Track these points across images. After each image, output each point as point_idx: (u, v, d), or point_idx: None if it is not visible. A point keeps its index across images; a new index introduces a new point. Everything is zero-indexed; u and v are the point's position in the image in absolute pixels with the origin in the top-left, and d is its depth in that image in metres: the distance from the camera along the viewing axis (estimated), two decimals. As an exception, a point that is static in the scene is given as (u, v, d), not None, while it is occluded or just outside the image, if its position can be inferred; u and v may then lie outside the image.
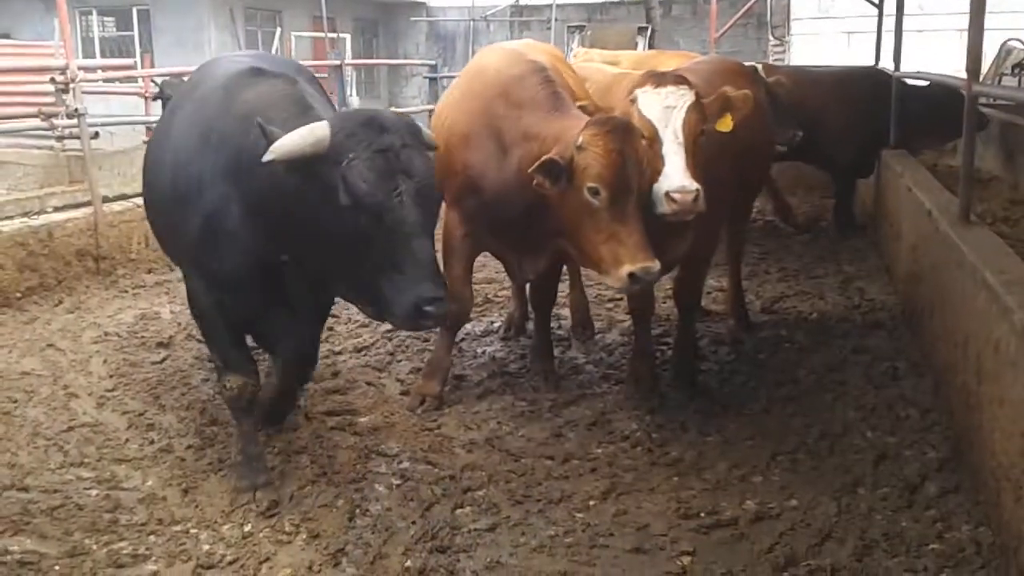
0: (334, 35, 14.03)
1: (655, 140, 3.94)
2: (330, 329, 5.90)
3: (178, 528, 3.51)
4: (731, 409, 4.54)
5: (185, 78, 11.63)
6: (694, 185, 3.83)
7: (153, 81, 11.66)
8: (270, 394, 4.12)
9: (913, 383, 4.73)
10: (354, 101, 13.88)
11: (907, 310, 5.77)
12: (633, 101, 4.06)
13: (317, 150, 3.11)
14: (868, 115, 7.51)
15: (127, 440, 4.29)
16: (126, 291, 6.79)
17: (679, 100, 3.98)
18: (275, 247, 3.50)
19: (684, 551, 3.31)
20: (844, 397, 4.63)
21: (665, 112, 3.95)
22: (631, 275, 3.75)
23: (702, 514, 3.56)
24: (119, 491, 3.79)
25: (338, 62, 11.66)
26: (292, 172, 3.17)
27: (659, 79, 4.07)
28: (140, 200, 7.65)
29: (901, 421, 4.31)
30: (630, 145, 3.81)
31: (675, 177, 3.85)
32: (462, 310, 4.72)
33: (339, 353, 5.45)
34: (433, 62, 15.06)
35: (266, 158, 3.12)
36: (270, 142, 3.14)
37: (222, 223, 3.54)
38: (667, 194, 3.84)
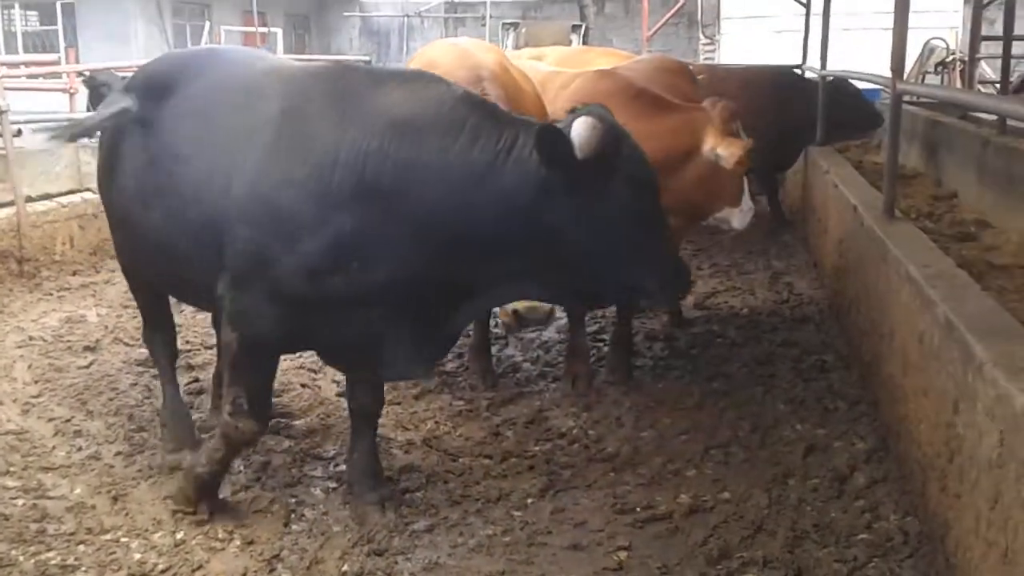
0: (265, 30, 13.82)
1: None
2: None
3: (108, 537, 3.42)
4: (665, 404, 4.60)
5: (118, 72, 11.49)
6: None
7: (82, 75, 11.35)
8: (365, 445, 3.76)
9: (841, 376, 4.85)
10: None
11: (834, 304, 5.91)
12: None
13: (607, 140, 3.02)
14: (775, 112, 7.66)
15: (54, 447, 4.17)
16: (51, 294, 6.59)
17: None
18: (449, 263, 3.18)
19: (620, 546, 3.35)
20: (774, 390, 4.72)
21: None
22: None
23: (638, 509, 3.60)
24: (46, 500, 3.68)
25: (269, 58, 11.47)
26: (561, 170, 3.02)
27: None
28: (65, 200, 7.52)
29: (830, 413, 4.42)
30: None
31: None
32: None
33: (273, 355, 5.37)
34: (368, 58, 14.91)
35: (581, 155, 2.96)
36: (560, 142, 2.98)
37: (374, 238, 3.13)
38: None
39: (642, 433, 4.29)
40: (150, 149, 3.50)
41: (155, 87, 3.62)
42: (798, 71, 9.10)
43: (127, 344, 5.53)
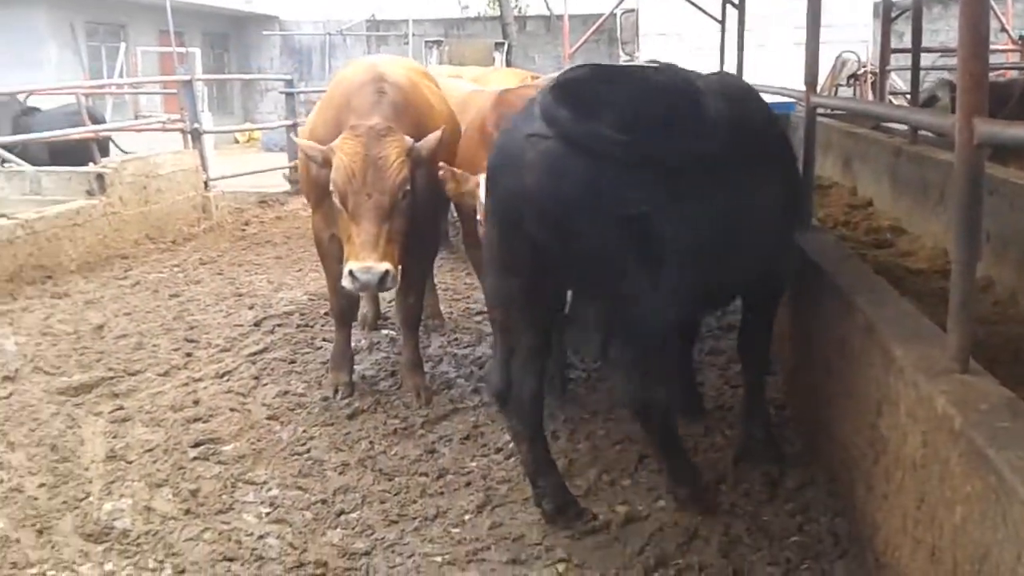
0: (183, 50, 13.57)
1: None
2: (188, 355, 5.72)
3: (33, 571, 3.31)
4: (599, 415, 4.64)
5: (21, 97, 11.16)
6: None
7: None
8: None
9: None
10: (206, 117, 13.45)
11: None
12: (477, 184, 4.11)
13: None
14: None
15: (-28, 482, 4.02)
16: (-36, 323, 6.36)
17: None
18: None
19: (560, 558, 3.35)
20: (703, 398, 4.79)
21: None
22: (350, 272, 4.14)
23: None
24: (-35, 537, 3.54)
25: (188, 77, 11.27)
26: None
27: None
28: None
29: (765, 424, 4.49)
30: (374, 151, 4.14)
31: None
32: (349, 305, 5.13)
33: (199, 380, 5.27)
34: (289, 77, 14.74)
35: None
36: None
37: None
38: None
39: (577, 445, 4.32)
40: None
41: None
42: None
43: (47, 373, 5.36)
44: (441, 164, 4.38)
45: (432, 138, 4.40)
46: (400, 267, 4.95)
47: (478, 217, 4.23)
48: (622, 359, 3.30)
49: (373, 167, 4.17)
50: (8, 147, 9.74)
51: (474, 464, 4.18)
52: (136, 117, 14.16)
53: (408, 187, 4.29)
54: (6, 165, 9.82)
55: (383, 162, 4.18)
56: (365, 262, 4.13)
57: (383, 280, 4.18)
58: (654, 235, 3.02)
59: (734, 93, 3.75)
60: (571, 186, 3.00)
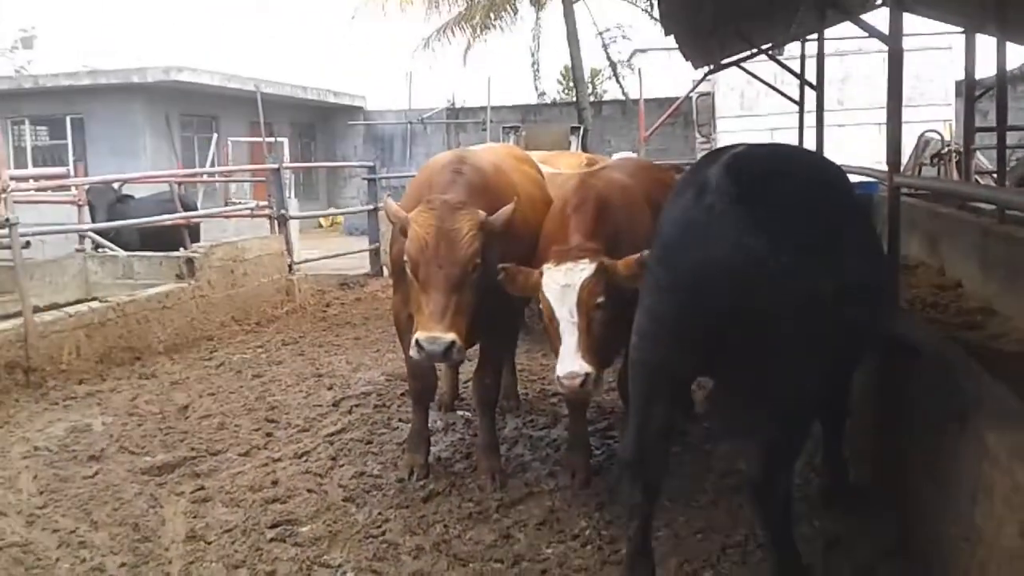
0: (271, 140, 14.14)
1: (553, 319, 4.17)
2: (268, 435, 5.79)
3: (109, 654, 3.33)
4: (679, 502, 4.51)
5: (116, 185, 11.70)
6: (583, 369, 3.99)
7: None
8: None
9: (856, 470, 4.76)
10: (293, 204, 13.89)
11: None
12: (540, 275, 4.24)
13: None
14: None
15: (58, 559, 4.09)
16: (56, 403, 6.56)
17: (575, 278, 4.09)
18: None
19: (639, 653, 3.24)
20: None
21: (563, 291, 4.10)
22: (416, 342, 4.14)
23: (656, 612, 3.49)
24: (48, 615, 3.59)
25: (276, 166, 11.70)
26: None
27: (560, 255, 4.20)
28: (72, 309, 7.57)
29: (848, 507, 4.32)
30: (447, 223, 4.19)
31: (564, 362, 4.03)
32: (426, 386, 5.13)
33: (278, 460, 5.31)
34: (371, 163, 15.16)
35: None
36: None
37: None
38: (558, 378, 4.09)
39: (657, 532, 4.18)
40: None
41: None
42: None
43: (132, 452, 5.48)
44: (505, 266, 4.35)
45: (504, 211, 4.42)
46: (480, 347, 5.00)
47: (542, 307, 4.25)
48: (759, 437, 3.34)
49: (445, 239, 4.21)
50: (103, 233, 10.19)
51: (550, 551, 4.09)
52: (226, 204, 14.68)
53: (479, 260, 4.30)
54: (100, 250, 10.27)
55: (455, 234, 4.23)
56: (432, 332, 4.14)
57: (448, 351, 4.16)
58: (813, 305, 3.10)
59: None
60: (755, 258, 3.07)
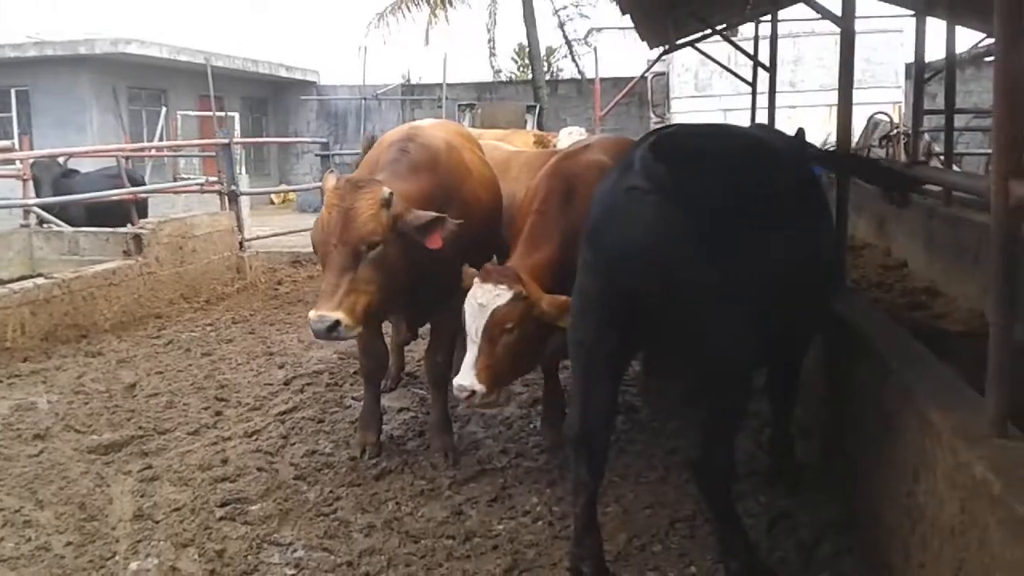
0: (222, 114, 13.87)
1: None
2: (218, 414, 5.73)
3: (54, 634, 3.28)
4: (629, 479, 4.56)
5: (62, 159, 11.44)
6: (472, 386, 3.98)
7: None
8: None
9: (801, 446, 4.84)
10: (244, 180, 13.68)
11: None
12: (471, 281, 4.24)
13: None
14: None
15: (2, 539, 4.02)
16: (0, 381, 6.43)
17: (491, 301, 4.05)
18: None
19: (588, 626, 3.27)
20: (736, 463, 4.69)
21: (478, 309, 4.07)
22: (310, 320, 4.11)
23: (605, 587, 3.53)
24: (-10, 596, 3.53)
25: (226, 141, 11.50)
26: None
27: (487, 274, 4.16)
28: (16, 285, 7.40)
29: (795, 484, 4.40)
30: (345, 201, 4.15)
31: (460, 374, 4.05)
32: (378, 365, 5.14)
33: (228, 439, 5.26)
34: (324, 140, 15.00)
35: None
36: None
37: None
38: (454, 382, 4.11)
39: (606, 508, 4.24)
40: None
41: None
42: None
43: (78, 431, 5.39)
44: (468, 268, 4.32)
45: (426, 213, 4.29)
46: (431, 326, 4.99)
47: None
48: (696, 413, 3.44)
49: (342, 217, 4.16)
50: (48, 208, 9.96)
51: (501, 527, 4.11)
52: (175, 179, 14.40)
53: (377, 239, 4.19)
54: (45, 226, 10.04)
55: (351, 213, 4.16)
56: (320, 311, 4.08)
57: (332, 329, 4.09)
58: (742, 281, 3.13)
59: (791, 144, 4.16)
60: (674, 237, 3.10)
